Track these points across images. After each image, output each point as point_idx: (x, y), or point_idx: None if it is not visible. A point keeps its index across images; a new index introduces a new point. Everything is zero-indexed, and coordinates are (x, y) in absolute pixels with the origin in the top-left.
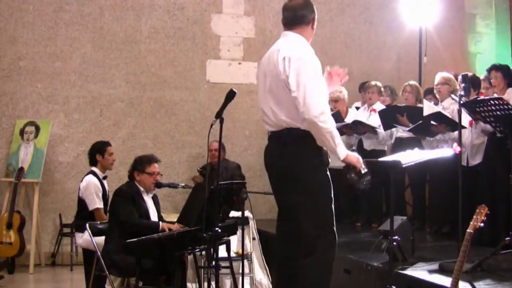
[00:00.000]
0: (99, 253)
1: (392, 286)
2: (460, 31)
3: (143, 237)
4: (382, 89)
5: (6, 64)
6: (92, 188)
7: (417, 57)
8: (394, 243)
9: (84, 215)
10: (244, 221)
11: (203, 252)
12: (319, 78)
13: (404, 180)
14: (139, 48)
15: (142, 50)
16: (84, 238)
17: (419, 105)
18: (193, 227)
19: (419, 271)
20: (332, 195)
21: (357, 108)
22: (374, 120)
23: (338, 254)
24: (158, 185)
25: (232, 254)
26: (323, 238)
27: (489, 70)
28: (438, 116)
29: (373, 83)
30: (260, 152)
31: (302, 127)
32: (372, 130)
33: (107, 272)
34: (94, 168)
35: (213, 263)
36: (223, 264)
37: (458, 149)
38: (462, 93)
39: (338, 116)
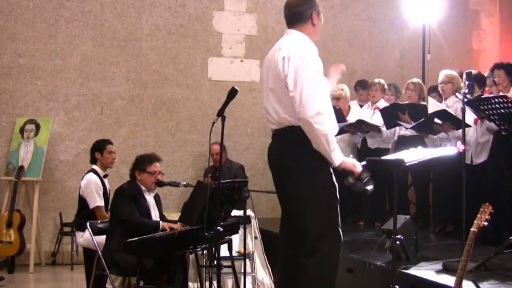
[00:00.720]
0: (100, 252)
1: (396, 286)
2: (464, 28)
3: (144, 236)
4: (386, 86)
5: (6, 62)
6: (92, 186)
7: (421, 54)
8: (397, 242)
9: (84, 214)
10: (246, 220)
11: (205, 251)
12: (319, 78)
13: (407, 179)
14: (140, 45)
15: (143, 48)
16: (85, 237)
17: (422, 103)
18: (194, 226)
19: (422, 271)
20: (337, 194)
21: (361, 106)
22: (378, 118)
23: (341, 254)
24: (159, 183)
25: (234, 253)
26: (328, 237)
27: (492, 69)
28: (443, 114)
29: (376, 80)
30: (262, 150)
31: None
32: (376, 129)
33: (108, 272)
34: (94, 166)
35: (215, 262)
36: (224, 263)
37: (461, 147)
38: (466, 91)
39: (340, 115)
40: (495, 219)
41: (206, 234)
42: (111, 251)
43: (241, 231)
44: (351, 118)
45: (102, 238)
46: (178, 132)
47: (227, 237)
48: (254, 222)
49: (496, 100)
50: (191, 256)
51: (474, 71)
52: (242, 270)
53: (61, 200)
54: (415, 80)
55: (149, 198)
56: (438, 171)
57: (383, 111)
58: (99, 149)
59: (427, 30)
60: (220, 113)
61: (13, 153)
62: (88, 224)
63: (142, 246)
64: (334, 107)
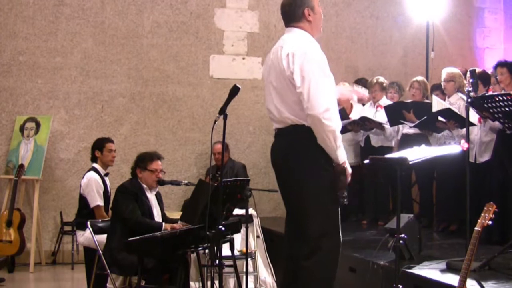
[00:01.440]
0: (100, 252)
1: (399, 285)
2: (468, 25)
3: (145, 235)
4: (385, 84)
5: (6, 59)
6: (93, 185)
7: (424, 52)
8: (401, 241)
9: (85, 213)
10: (248, 219)
11: (206, 251)
12: (325, 73)
13: (411, 177)
14: (141, 42)
15: (144, 45)
16: (85, 236)
17: (426, 101)
18: (196, 225)
19: (426, 270)
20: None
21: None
22: (381, 116)
23: (343, 252)
24: (161, 182)
25: (236, 253)
26: (329, 237)
27: (495, 67)
28: (447, 112)
29: (374, 80)
30: (264, 148)
31: (307, 124)
32: (379, 126)
33: (108, 271)
34: (95, 165)
35: (217, 261)
36: (226, 262)
37: (465, 145)
38: (470, 88)
39: (343, 113)
40: (499, 218)
41: (207, 233)
42: (112, 250)
43: (243, 230)
44: (354, 116)
45: (103, 237)
46: (179, 130)
47: (229, 236)
48: (256, 221)
49: (500, 98)
50: (193, 256)
51: (478, 69)
52: (244, 270)
53: (62, 199)
54: (419, 78)
55: (151, 196)
56: (442, 170)
57: (388, 109)
58: (99, 147)
59: (430, 27)
60: (222, 111)
61: (13, 151)
62: (88, 223)
63: (143, 245)
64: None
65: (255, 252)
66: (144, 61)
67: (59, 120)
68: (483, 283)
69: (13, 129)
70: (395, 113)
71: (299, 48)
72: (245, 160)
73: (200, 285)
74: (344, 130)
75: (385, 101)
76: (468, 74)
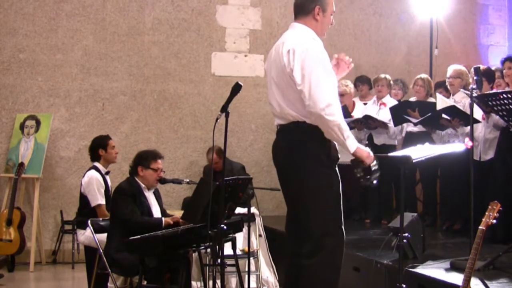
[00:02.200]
0: (101, 251)
1: (402, 285)
2: (472, 22)
3: (146, 235)
4: (392, 82)
5: (6, 57)
6: (94, 184)
7: (428, 49)
8: (404, 240)
9: (86, 212)
10: (250, 217)
11: (208, 250)
12: (326, 70)
13: (414, 176)
14: (142, 40)
15: (145, 42)
16: (86, 235)
17: (430, 98)
18: (198, 224)
19: (430, 269)
20: (341, 192)
21: (364, 104)
22: (385, 114)
23: (346, 252)
24: (162, 181)
25: (238, 252)
26: (331, 236)
27: (503, 61)
28: (451, 110)
29: (382, 76)
30: (267, 147)
31: (308, 121)
32: (383, 125)
33: (109, 270)
34: (96, 163)
35: (219, 260)
36: (228, 262)
37: (469, 143)
38: (474, 86)
39: (345, 111)
40: (504, 217)
41: (209, 232)
42: (113, 249)
43: (245, 229)
44: (357, 114)
45: (103, 236)
46: (181, 128)
47: (231, 235)
48: (258, 220)
49: (505, 95)
50: (194, 255)
51: (482, 66)
52: (246, 269)
53: (62, 197)
54: (423, 76)
55: (149, 195)
56: (446, 168)
57: (393, 109)
58: (102, 145)
59: (434, 24)
60: (224, 109)
61: (13, 149)
62: (89, 222)
63: (144, 245)
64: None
65: (257, 251)
66: (145, 58)
67: (60, 118)
68: (488, 283)
69: (13, 127)
70: (400, 113)
71: (300, 44)
72: (247, 158)
73: (202, 284)
74: None
75: (388, 99)
76: (472, 72)
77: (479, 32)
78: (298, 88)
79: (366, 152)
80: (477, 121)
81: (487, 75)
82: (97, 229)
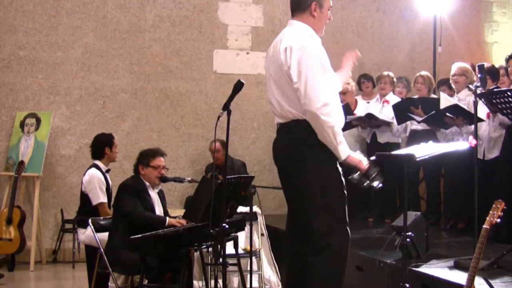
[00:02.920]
0: (102, 250)
1: (406, 284)
2: (476, 19)
3: (148, 233)
4: (395, 79)
5: (6, 54)
6: (95, 182)
7: (432, 46)
8: (408, 240)
9: (86, 210)
10: (252, 216)
11: (210, 249)
12: (324, 68)
13: (418, 174)
14: (143, 37)
15: (146, 40)
16: (87, 234)
17: (432, 95)
18: (199, 222)
19: (433, 268)
20: (345, 190)
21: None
22: (387, 112)
23: (349, 251)
24: (163, 179)
25: (240, 251)
26: (336, 235)
27: (508, 59)
28: (455, 109)
29: (385, 73)
30: (269, 145)
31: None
32: (385, 123)
33: (110, 270)
34: (97, 162)
35: (220, 260)
36: (230, 261)
37: (473, 142)
38: (478, 84)
39: (347, 109)
40: (508, 215)
41: (211, 231)
42: (114, 248)
43: (247, 228)
44: (359, 113)
45: (104, 235)
46: (182, 126)
47: (232, 234)
48: (260, 219)
49: (509, 93)
50: (196, 254)
51: (486, 64)
52: (248, 268)
53: (63, 196)
54: (423, 73)
55: (153, 194)
56: (450, 167)
57: (396, 107)
58: (109, 144)
59: (438, 21)
60: (226, 107)
61: (13, 148)
62: (90, 220)
63: (146, 243)
64: (341, 101)
65: (259, 250)
66: (147, 56)
67: (60, 116)
68: (492, 282)
69: (13, 125)
70: (403, 111)
71: (297, 42)
72: (249, 157)
73: (204, 284)
74: (349, 126)
75: (391, 96)
76: (476, 69)
77: (483, 30)
78: (295, 86)
79: (358, 159)
80: (481, 120)
81: (491, 73)
82: (98, 228)
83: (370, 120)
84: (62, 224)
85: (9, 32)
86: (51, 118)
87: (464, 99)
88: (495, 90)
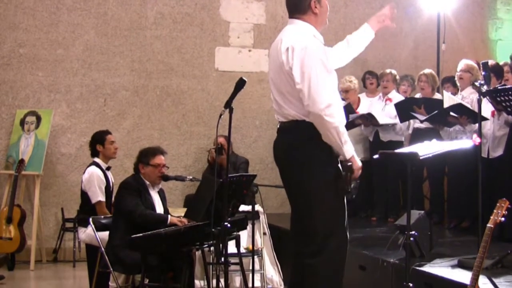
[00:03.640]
0: (103, 249)
1: (409, 283)
2: (480, 17)
3: (149, 232)
4: (397, 77)
5: (6, 52)
6: (95, 180)
7: (435, 44)
8: (411, 239)
9: (87, 209)
10: (254, 215)
11: (212, 248)
12: (326, 69)
13: (422, 173)
14: (144, 34)
15: (147, 37)
16: (87, 233)
17: (436, 94)
18: (201, 221)
19: (437, 268)
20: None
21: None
22: (390, 110)
23: (352, 250)
24: (165, 178)
25: (242, 250)
26: (335, 236)
27: None
28: (458, 107)
29: (387, 71)
30: (271, 143)
31: (307, 119)
32: (387, 126)
33: (111, 269)
34: (96, 159)
35: (222, 259)
36: (232, 260)
37: (477, 140)
38: (482, 82)
39: (350, 108)
40: None
41: (213, 230)
42: (114, 247)
43: (249, 227)
44: (362, 111)
45: (105, 234)
46: (184, 124)
47: (234, 233)
48: (262, 218)
49: None
50: (198, 253)
51: (490, 62)
52: (251, 267)
53: (63, 194)
54: (427, 71)
55: (154, 193)
56: (454, 165)
57: (398, 106)
58: (100, 141)
59: (442, 19)
60: (228, 105)
61: (13, 146)
62: (90, 219)
63: (147, 242)
64: (343, 100)
65: (261, 250)
66: (148, 53)
67: (61, 114)
68: (496, 281)
69: (13, 123)
70: (406, 109)
71: (299, 42)
72: (251, 155)
73: (205, 283)
74: (352, 126)
75: (394, 94)
76: (480, 67)
77: (487, 27)
78: (297, 87)
79: (359, 165)
80: (485, 119)
81: (495, 71)
82: (99, 227)
83: (372, 119)
84: (63, 223)
85: (9, 29)
86: (52, 116)
87: (468, 97)
88: (499, 88)
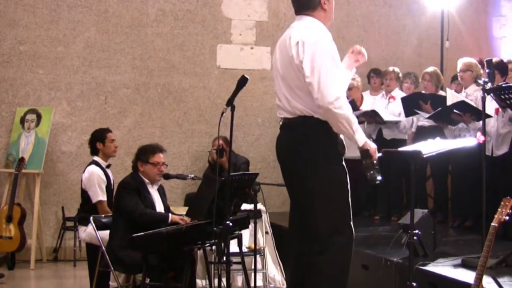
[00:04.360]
0: (103, 248)
1: (413, 283)
2: (484, 14)
3: (150, 231)
4: (400, 75)
5: (6, 49)
6: (95, 180)
7: (439, 41)
8: (415, 238)
9: (88, 208)
10: (256, 214)
11: (214, 247)
12: (335, 63)
13: (425, 171)
14: (146, 31)
15: (149, 34)
16: (88, 232)
17: (441, 92)
18: (203, 220)
19: (441, 267)
20: (349, 187)
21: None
22: (393, 108)
23: (355, 249)
24: (166, 176)
25: (244, 249)
26: (340, 233)
27: None
28: (462, 105)
29: (390, 69)
30: (273, 141)
31: (316, 115)
32: (390, 123)
33: (112, 268)
34: (96, 158)
35: (224, 258)
36: (234, 259)
37: (482, 138)
38: (487, 79)
39: (353, 105)
40: None
41: (215, 229)
42: (115, 247)
43: (251, 225)
44: (365, 109)
45: (106, 233)
46: (185, 122)
47: (236, 232)
48: (265, 217)
49: None
50: (199, 252)
51: (495, 59)
52: (253, 267)
53: (63, 193)
54: (430, 69)
55: (153, 191)
56: (457, 163)
57: (404, 99)
58: (100, 139)
59: (445, 16)
60: (230, 103)
61: (13, 144)
62: (91, 218)
63: (147, 242)
64: (346, 97)
65: (263, 249)
66: (149, 50)
67: (61, 112)
68: (500, 281)
69: (13, 121)
70: (412, 104)
71: (310, 36)
72: (253, 153)
73: (207, 282)
74: None
75: (397, 92)
76: (485, 64)
77: (492, 24)
78: (307, 81)
79: (374, 147)
80: (489, 116)
81: (499, 68)
82: (99, 226)
83: (375, 116)
84: (63, 221)
85: (9, 27)
86: (52, 114)
87: (472, 94)
88: (503, 85)
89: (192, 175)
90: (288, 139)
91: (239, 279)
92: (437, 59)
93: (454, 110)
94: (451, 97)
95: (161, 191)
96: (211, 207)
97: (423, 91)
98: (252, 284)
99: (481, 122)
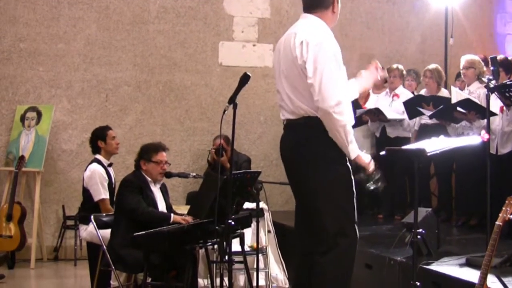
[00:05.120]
0: (104, 247)
1: (416, 282)
2: (488, 11)
3: (152, 230)
4: (404, 72)
5: (6, 46)
6: (97, 178)
7: (443, 38)
8: (419, 237)
9: (88, 207)
10: (259, 213)
11: (215, 246)
12: (339, 65)
13: (429, 170)
14: (147, 28)
15: (150, 31)
16: (89, 231)
17: (443, 89)
18: (204, 219)
19: (445, 266)
20: (354, 188)
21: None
22: (397, 106)
23: (358, 248)
24: (168, 175)
25: (246, 248)
26: (344, 234)
27: None
28: (466, 103)
29: (394, 66)
30: (276, 139)
31: (319, 115)
32: (394, 121)
33: (113, 267)
34: (98, 156)
35: (226, 257)
36: (236, 258)
37: (486, 136)
38: (491, 77)
39: (356, 104)
40: None
41: (217, 227)
42: (116, 245)
43: (253, 224)
44: (369, 107)
45: (107, 232)
46: (187, 120)
47: (239, 231)
48: (267, 215)
49: None
50: (201, 251)
51: (499, 56)
52: (255, 266)
53: (64, 192)
54: (431, 67)
55: (155, 190)
56: (462, 162)
57: (407, 103)
58: (101, 137)
59: (449, 13)
60: (232, 100)
61: (14, 142)
62: (92, 217)
63: (149, 240)
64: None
65: (266, 248)
66: (150, 48)
67: (62, 110)
68: (505, 280)
69: (14, 119)
70: (414, 106)
71: (314, 37)
72: (256, 151)
73: (209, 282)
74: (359, 122)
75: (401, 89)
76: (489, 62)
77: (496, 21)
78: (309, 81)
79: (366, 161)
80: (494, 114)
81: (504, 65)
82: (100, 225)
83: (379, 114)
84: (64, 220)
85: (9, 24)
86: (52, 112)
87: (475, 91)
88: (508, 83)
89: (194, 174)
90: (291, 140)
91: (241, 278)
92: (441, 56)
93: (458, 108)
94: (456, 94)
95: (164, 189)
96: (213, 205)
97: (422, 92)
98: (255, 283)
99: (485, 120)
